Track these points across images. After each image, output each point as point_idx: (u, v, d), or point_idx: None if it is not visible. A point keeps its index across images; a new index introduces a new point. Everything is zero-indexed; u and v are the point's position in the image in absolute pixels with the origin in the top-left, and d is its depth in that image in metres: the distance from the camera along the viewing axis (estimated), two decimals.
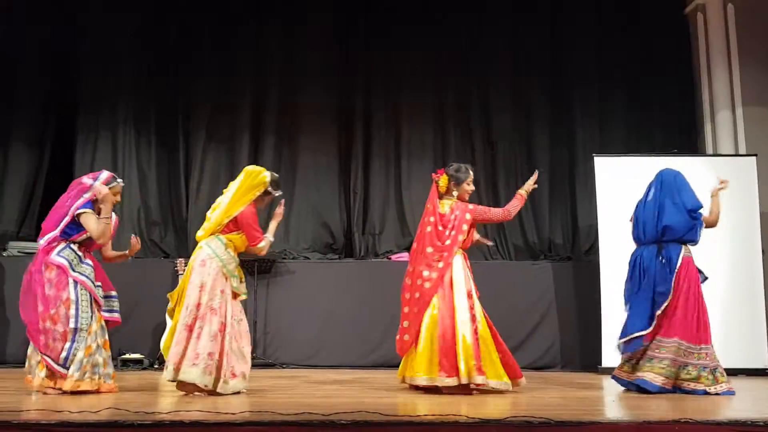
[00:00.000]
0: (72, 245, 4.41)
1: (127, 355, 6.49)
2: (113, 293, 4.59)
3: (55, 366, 4.22)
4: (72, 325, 4.27)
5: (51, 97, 7.63)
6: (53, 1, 7.68)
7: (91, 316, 4.36)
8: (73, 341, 4.26)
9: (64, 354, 4.24)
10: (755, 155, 6.72)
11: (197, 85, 7.71)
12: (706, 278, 4.98)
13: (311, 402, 4.00)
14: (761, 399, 4.82)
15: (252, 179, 4.55)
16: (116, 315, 4.57)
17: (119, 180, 4.58)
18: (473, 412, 3.36)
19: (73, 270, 4.35)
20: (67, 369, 4.23)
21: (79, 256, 4.42)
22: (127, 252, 4.71)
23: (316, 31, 7.74)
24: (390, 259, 7.17)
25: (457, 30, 7.84)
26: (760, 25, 7.43)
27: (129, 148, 7.48)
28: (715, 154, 7.22)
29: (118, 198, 4.56)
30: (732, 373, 6.25)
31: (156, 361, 6.53)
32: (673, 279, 4.77)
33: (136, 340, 6.63)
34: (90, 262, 4.45)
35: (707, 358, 4.68)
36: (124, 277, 6.72)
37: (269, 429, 3.04)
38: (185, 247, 7.30)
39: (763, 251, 6.56)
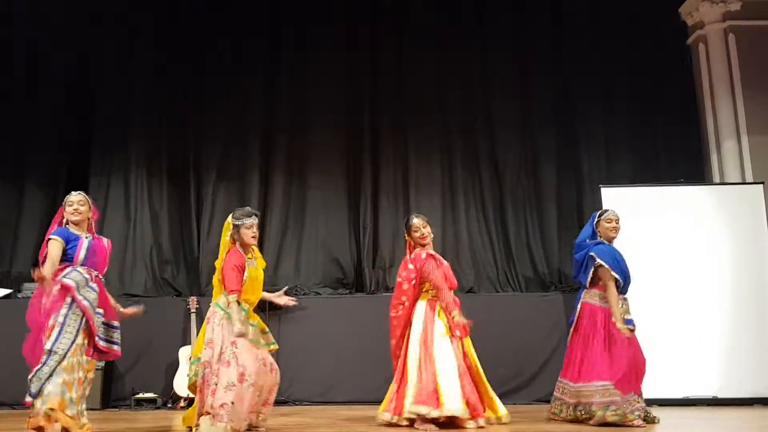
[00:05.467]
0: (79, 268, 4.35)
1: (140, 395, 6.50)
2: (116, 324, 4.44)
3: (27, 397, 4.11)
4: (48, 346, 4.13)
5: (64, 139, 7.78)
6: (68, 45, 7.88)
7: (72, 344, 4.17)
8: (44, 364, 4.10)
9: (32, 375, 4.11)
10: (762, 183, 6.76)
11: (207, 125, 7.83)
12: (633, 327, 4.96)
13: None
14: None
15: (224, 231, 4.69)
16: (116, 348, 4.41)
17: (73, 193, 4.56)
18: None
19: (79, 292, 4.27)
20: (34, 398, 4.08)
21: (86, 279, 4.34)
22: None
23: (324, 69, 7.87)
24: None
25: (462, 65, 7.96)
26: (762, 54, 7.53)
27: (141, 188, 7.60)
28: (722, 183, 7.26)
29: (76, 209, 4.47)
30: (741, 403, 6.22)
31: (169, 400, 6.54)
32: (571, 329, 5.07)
33: (149, 380, 6.66)
34: (96, 287, 4.36)
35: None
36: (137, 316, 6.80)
37: None
38: (197, 285, 7.36)
39: None
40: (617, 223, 5.17)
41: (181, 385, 6.47)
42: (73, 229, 4.48)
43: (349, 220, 7.70)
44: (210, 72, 7.89)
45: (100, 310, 4.37)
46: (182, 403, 6.42)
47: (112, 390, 6.65)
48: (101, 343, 4.32)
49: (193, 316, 6.66)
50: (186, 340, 6.67)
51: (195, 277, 7.43)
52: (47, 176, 7.66)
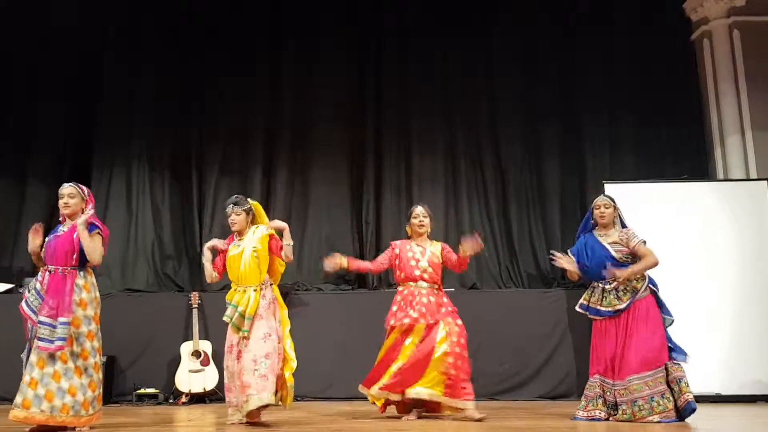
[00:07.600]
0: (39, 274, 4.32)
1: (141, 390, 6.49)
2: (43, 319, 4.08)
3: None
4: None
5: (66, 133, 7.78)
6: (71, 42, 7.85)
7: (29, 348, 4.18)
8: None
9: None
10: (766, 179, 6.73)
11: (210, 119, 7.82)
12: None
13: None
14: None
15: None
16: (43, 344, 4.05)
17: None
18: None
19: (25, 302, 4.25)
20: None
21: (35, 283, 4.25)
22: None
23: (328, 66, 7.85)
24: None
25: (467, 60, 7.94)
26: (767, 50, 7.48)
27: (143, 182, 7.58)
28: (726, 179, 7.23)
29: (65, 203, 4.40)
30: (744, 400, 6.20)
31: (171, 395, 6.53)
32: None
33: (151, 375, 6.64)
34: (38, 286, 4.21)
35: None
36: (139, 311, 6.81)
37: None
38: (199, 280, 7.33)
39: None
40: (606, 209, 5.12)
41: (182, 381, 6.46)
42: (64, 225, 4.43)
43: (351, 215, 7.68)
44: (213, 68, 7.87)
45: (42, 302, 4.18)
46: (183, 399, 6.41)
47: (113, 385, 6.63)
48: (39, 343, 4.09)
49: (194, 312, 6.65)
50: (188, 336, 6.65)
51: (197, 272, 7.41)
52: (49, 170, 7.64)
